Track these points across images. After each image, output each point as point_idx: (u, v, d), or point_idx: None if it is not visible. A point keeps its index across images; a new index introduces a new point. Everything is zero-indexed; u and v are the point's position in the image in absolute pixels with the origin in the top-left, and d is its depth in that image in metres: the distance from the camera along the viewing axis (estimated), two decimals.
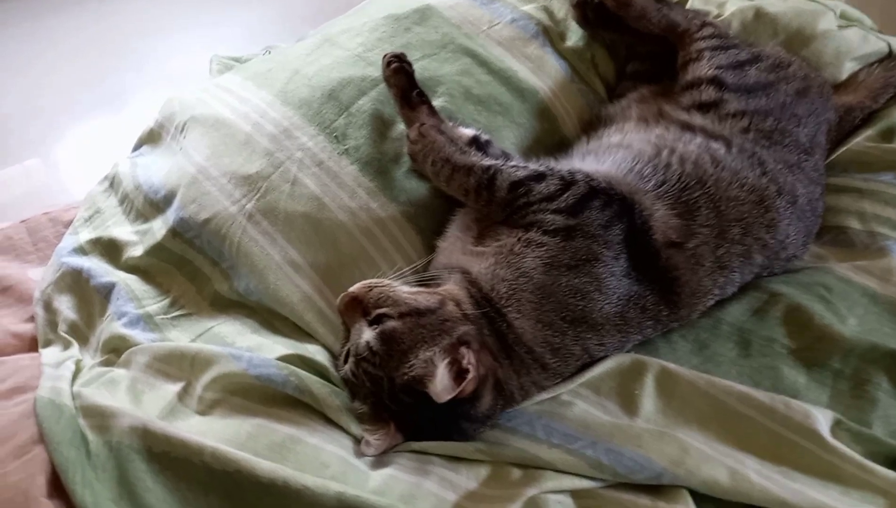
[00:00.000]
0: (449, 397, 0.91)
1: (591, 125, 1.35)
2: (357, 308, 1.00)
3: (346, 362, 1.01)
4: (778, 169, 1.17)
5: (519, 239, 1.04)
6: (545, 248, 1.02)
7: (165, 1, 2.90)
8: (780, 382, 1.06)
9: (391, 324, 0.96)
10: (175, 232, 1.24)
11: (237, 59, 1.72)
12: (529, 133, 1.32)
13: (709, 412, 1.00)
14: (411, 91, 1.19)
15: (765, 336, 1.11)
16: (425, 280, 1.05)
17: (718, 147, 1.17)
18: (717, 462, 0.93)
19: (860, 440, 0.98)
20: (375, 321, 0.97)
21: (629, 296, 1.04)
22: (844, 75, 1.45)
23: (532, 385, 1.01)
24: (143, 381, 1.04)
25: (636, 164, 1.14)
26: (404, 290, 1.01)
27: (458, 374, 0.93)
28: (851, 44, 1.45)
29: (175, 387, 1.02)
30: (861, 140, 1.40)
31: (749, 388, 1.01)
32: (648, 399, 1.02)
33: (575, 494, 0.93)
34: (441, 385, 0.91)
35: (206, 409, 0.99)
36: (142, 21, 2.77)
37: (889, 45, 1.49)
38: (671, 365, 1.05)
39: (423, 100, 1.19)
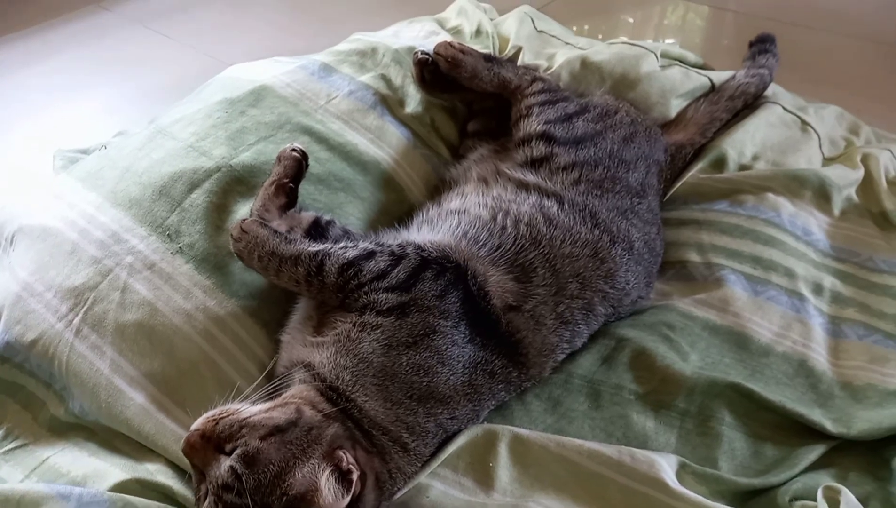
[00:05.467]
0: (343, 505, 0.87)
1: (437, 190, 1.35)
2: (207, 447, 0.88)
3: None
4: (611, 218, 1.20)
5: (354, 324, 1.01)
6: (381, 330, 1.00)
7: None
8: (630, 430, 1.08)
9: (253, 445, 0.87)
10: (3, 358, 1.16)
11: (84, 152, 1.65)
12: (375, 206, 1.32)
13: (563, 476, 1.00)
14: (293, 181, 1.18)
15: (614, 384, 1.13)
16: (274, 387, 0.99)
17: (551, 205, 1.19)
18: None
19: (705, 481, 1.00)
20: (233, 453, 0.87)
21: (475, 363, 1.03)
22: (674, 112, 1.53)
23: (399, 472, 0.96)
24: None
25: (470, 229, 1.14)
26: (254, 410, 0.91)
27: (342, 478, 0.88)
28: (675, 82, 1.53)
29: None
30: (695, 172, 1.47)
31: (597, 444, 1.02)
32: (504, 470, 1.01)
33: None
34: (331, 497, 0.86)
35: None
36: None
37: (710, 80, 1.58)
38: (522, 430, 1.04)
39: (289, 196, 1.17)
